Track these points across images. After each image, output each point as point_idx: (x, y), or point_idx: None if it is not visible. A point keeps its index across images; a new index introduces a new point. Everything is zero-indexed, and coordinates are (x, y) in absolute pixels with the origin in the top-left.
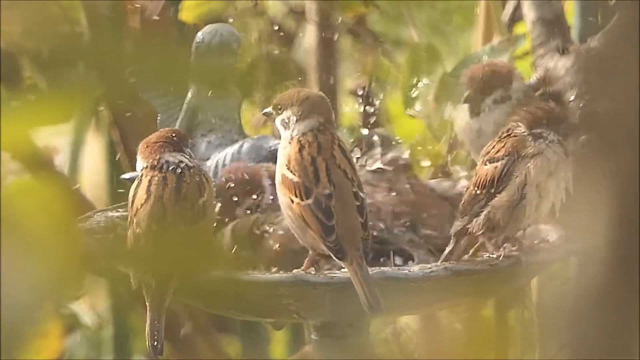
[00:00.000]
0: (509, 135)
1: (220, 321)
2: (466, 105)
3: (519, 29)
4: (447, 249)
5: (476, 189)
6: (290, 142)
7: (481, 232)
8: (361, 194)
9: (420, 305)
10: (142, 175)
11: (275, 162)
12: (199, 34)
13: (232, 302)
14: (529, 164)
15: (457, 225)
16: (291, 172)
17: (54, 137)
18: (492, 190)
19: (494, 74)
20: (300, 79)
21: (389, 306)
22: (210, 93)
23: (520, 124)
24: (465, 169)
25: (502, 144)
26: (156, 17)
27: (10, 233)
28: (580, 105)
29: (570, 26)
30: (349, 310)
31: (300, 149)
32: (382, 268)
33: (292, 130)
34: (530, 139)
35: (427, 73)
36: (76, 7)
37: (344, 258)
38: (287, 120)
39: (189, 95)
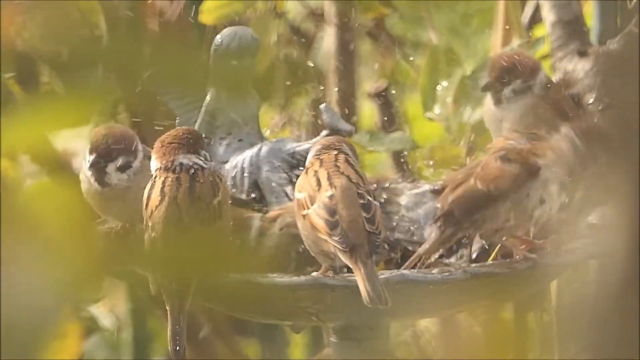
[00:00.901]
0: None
1: (239, 323)
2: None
3: (538, 31)
4: (430, 240)
5: (481, 185)
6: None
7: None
8: (368, 196)
9: (439, 308)
10: (155, 177)
11: (293, 165)
12: (218, 36)
13: (251, 305)
14: (553, 169)
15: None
16: (299, 192)
17: (72, 140)
18: (505, 190)
19: (516, 63)
20: (321, 87)
21: (408, 309)
22: (228, 96)
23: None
24: None
25: (510, 145)
26: (175, 20)
27: (29, 235)
28: (600, 107)
29: (589, 29)
30: (368, 312)
31: (306, 172)
32: (402, 271)
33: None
34: (557, 142)
35: (446, 76)
36: (95, 11)
37: (351, 250)
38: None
39: (208, 97)
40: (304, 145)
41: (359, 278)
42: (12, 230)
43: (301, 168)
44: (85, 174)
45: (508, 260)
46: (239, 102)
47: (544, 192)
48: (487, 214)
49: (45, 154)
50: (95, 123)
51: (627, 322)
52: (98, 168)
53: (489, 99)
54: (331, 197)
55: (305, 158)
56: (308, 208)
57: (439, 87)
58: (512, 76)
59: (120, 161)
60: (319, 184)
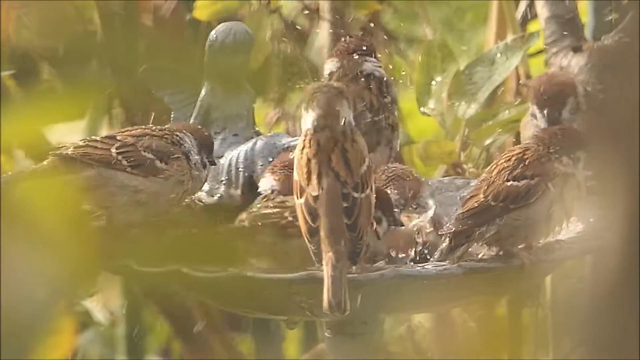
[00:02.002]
0: (533, 154)
1: (233, 319)
2: (538, 114)
3: (533, 26)
4: (441, 248)
5: (491, 200)
6: (302, 139)
7: (486, 241)
8: (354, 194)
9: (434, 303)
10: None
11: None
12: (213, 32)
13: (245, 300)
14: (560, 185)
15: (456, 227)
16: (295, 171)
17: (67, 135)
18: (512, 206)
19: (562, 85)
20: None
21: (402, 304)
22: (223, 91)
23: (539, 143)
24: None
25: (527, 163)
26: (169, 15)
27: (24, 230)
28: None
29: (584, 24)
30: (363, 307)
31: (303, 148)
32: (396, 266)
33: (304, 125)
34: (557, 160)
35: (440, 71)
36: (90, 6)
37: (319, 261)
38: (304, 114)
39: (203, 93)
40: (298, 140)
41: (325, 282)
42: (7, 225)
43: None
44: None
45: (503, 255)
46: (233, 97)
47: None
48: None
49: (40, 149)
50: (90, 117)
51: (622, 317)
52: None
53: (536, 118)
54: (316, 198)
55: None
56: (298, 197)
57: (433, 83)
58: (565, 97)
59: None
60: (308, 177)
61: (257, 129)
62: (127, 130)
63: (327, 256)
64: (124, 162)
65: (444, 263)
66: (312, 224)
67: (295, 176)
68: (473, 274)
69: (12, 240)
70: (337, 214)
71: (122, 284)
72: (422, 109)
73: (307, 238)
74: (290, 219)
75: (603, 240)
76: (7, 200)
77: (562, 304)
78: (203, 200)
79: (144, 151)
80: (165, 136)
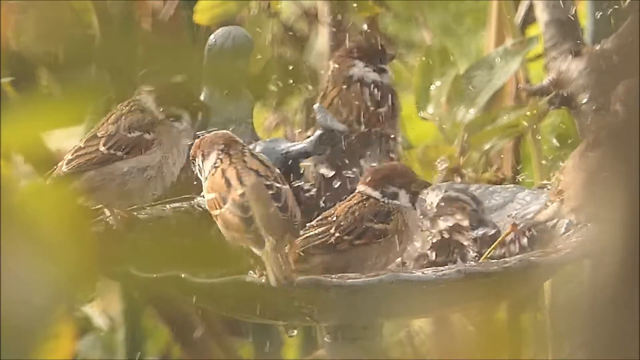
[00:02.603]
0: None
1: (233, 324)
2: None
3: (532, 31)
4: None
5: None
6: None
7: None
8: (277, 184)
9: (434, 308)
10: None
11: (287, 165)
12: (212, 36)
13: (244, 305)
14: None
15: None
16: (209, 193)
17: (66, 140)
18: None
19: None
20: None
21: (402, 309)
22: (223, 94)
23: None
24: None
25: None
26: (168, 19)
27: (23, 236)
28: (593, 107)
29: (583, 28)
30: (362, 312)
31: (215, 167)
32: (395, 272)
33: (205, 173)
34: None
35: (439, 75)
36: (88, 10)
37: (261, 247)
38: (199, 168)
39: (202, 97)
40: (298, 145)
41: (269, 263)
42: (7, 230)
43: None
44: None
45: (501, 259)
46: (233, 101)
47: None
48: None
49: (39, 155)
50: (88, 122)
51: (621, 321)
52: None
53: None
54: (242, 194)
55: (299, 157)
56: (220, 208)
57: (432, 87)
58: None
59: None
60: (228, 184)
61: (256, 133)
62: (103, 124)
63: (268, 240)
64: (118, 153)
65: (443, 268)
66: (245, 215)
67: (211, 196)
68: (472, 278)
69: (11, 245)
70: (267, 200)
71: (121, 290)
72: (421, 113)
73: (243, 229)
74: (337, 234)
75: (602, 244)
76: (7, 205)
77: (561, 308)
78: (202, 206)
79: (129, 132)
80: (133, 108)
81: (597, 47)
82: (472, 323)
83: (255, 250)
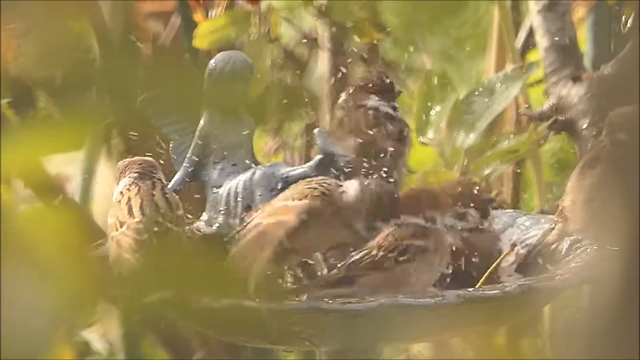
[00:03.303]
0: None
1: (232, 348)
2: None
3: (532, 56)
4: None
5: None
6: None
7: None
8: (168, 224)
9: (433, 332)
10: None
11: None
12: (212, 61)
13: (243, 330)
14: None
15: None
16: (110, 217)
17: (65, 165)
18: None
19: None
20: (311, 111)
21: (401, 333)
22: (222, 120)
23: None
24: None
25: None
26: (169, 44)
27: (23, 260)
28: (593, 132)
29: (583, 54)
30: (362, 336)
31: (121, 196)
32: (395, 296)
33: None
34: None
35: (439, 100)
36: (88, 34)
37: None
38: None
39: (201, 122)
40: (298, 170)
41: None
42: (6, 254)
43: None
44: None
45: (501, 284)
46: (232, 126)
47: None
48: None
49: (38, 179)
50: (88, 147)
51: (621, 347)
52: None
53: None
54: (139, 222)
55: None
56: (117, 230)
57: (432, 112)
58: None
59: None
60: (130, 212)
61: (256, 158)
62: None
63: None
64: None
65: (442, 293)
66: (140, 237)
67: (111, 220)
68: (472, 303)
69: (11, 269)
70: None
71: (121, 314)
72: (420, 138)
73: (134, 248)
74: (381, 253)
75: (601, 269)
76: (6, 229)
77: (561, 333)
78: (202, 230)
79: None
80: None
81: (598, 73)
82: (472, 347)
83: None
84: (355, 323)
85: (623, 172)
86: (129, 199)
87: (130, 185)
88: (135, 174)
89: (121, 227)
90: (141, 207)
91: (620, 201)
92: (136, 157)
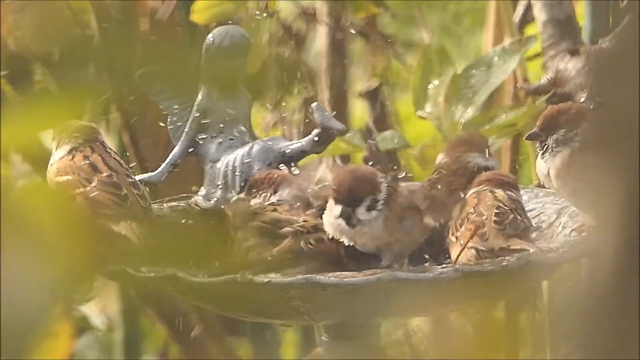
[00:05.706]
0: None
1: (230, 323)
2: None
3: (530, 30)
4: None
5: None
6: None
7: None
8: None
9: (431, 307)
10: None
11: (285, 163)
12: (210, 35)
13: (241, 304)
14: None
15: None
16: (61, 175)
17: None
18: None
19: (560, 113)
20: (308, 87)
21: (399, 308)
22: (220, 94)
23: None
24: None
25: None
26: (166, 19)
27: (21, 235)
28: (591, 107)
29: (581, 27)
30: (360, 311)
31: (72, 157)
32: (392, 270)
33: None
34: None
35: (437, 74)
36: (86, 10)
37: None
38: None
39: (199, 97)
40: (296, 144)
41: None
42: (4, 230)
43: (293, 166)
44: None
45: (499, 258)
46: (230, 100)
47: None
48: None
49: (36, 154)
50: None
51: (620, 320)
52: (347, 215)
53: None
54: (110, 176)
55: (297, 156)
56: (84, 187)
57: (430, 86)
58: (556, 126)
59: (368, 202)
60: (94, 168)
61: (254, 132)
62: None
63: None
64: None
65: (441, 266)
66: (120, 192)
67: (63, 177)
68: (470, 277)
69: (9, 244)
70: (130, 187)
71: (119, 289)
72: (418, 112)
73: (118, 206)
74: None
75: (599, 243)
76: (4, 204)
77: (559, 307)
78: (200, 205)
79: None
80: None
81: (595, 47)
82: (470, 322)
83: (115, 227)
84: (353, 297)
85: (614, 145)
86: (86, 157)
87: (79, 146)
88: (81, 138)
89: (88, 183)
90: (105, 163)
91: (617, 176)
92: (77, 122)
